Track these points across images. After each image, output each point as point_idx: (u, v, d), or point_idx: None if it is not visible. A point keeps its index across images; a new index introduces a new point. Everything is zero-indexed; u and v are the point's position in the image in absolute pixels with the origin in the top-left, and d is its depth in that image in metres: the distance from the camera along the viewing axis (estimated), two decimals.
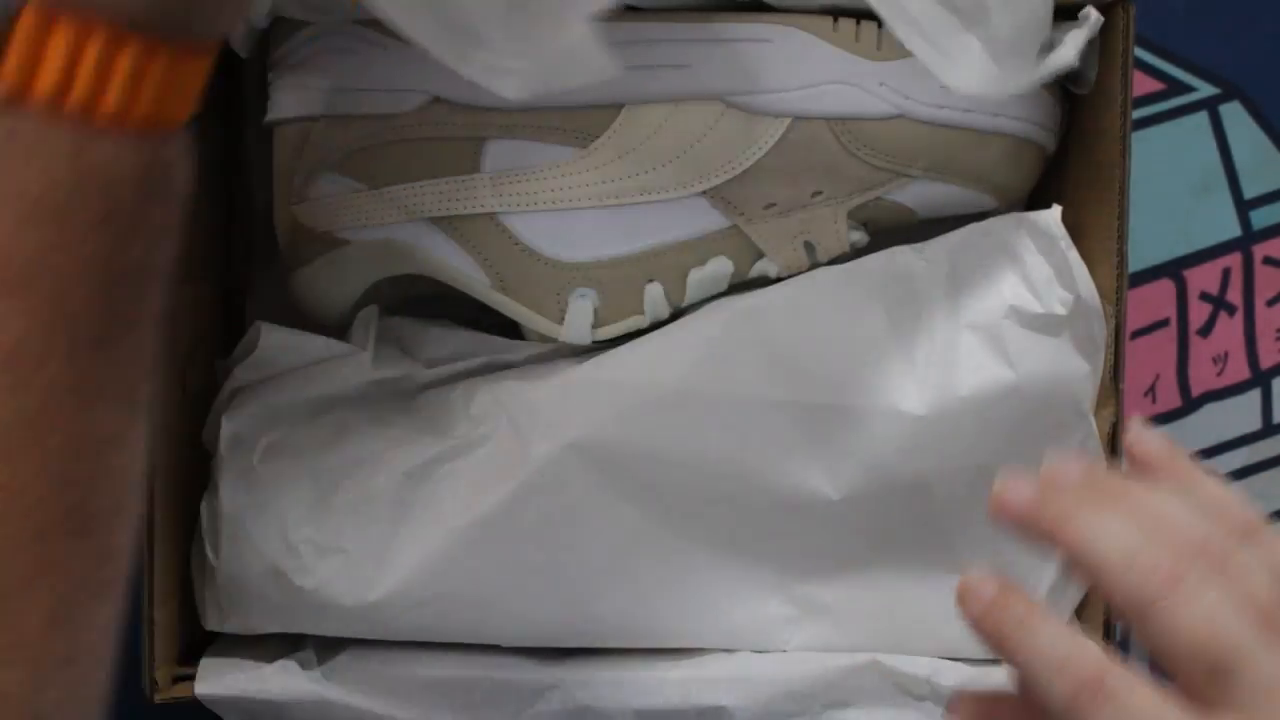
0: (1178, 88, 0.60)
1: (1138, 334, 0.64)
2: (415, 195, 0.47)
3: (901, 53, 0.46)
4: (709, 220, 0.47)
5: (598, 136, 0.46)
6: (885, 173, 0.47)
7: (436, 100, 0.47)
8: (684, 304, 0.48)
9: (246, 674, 0.47)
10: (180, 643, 0.49)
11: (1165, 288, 0.62)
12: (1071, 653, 0.33)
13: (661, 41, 0.46)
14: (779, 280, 0.48)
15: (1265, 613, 0.32)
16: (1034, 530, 0.35)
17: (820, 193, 0.47)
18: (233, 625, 0.48)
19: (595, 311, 0.47)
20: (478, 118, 0.47)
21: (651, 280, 0.47)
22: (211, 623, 0.48)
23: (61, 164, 0.32)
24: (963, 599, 0.35)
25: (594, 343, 0.49)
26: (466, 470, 0.47)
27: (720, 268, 0.47)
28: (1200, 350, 0.61)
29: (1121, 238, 0.47)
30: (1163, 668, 0.32)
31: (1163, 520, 0.33)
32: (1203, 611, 0.32)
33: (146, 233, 0.34)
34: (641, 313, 0.48)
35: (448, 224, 0.47)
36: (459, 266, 0.47)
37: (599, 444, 0.46)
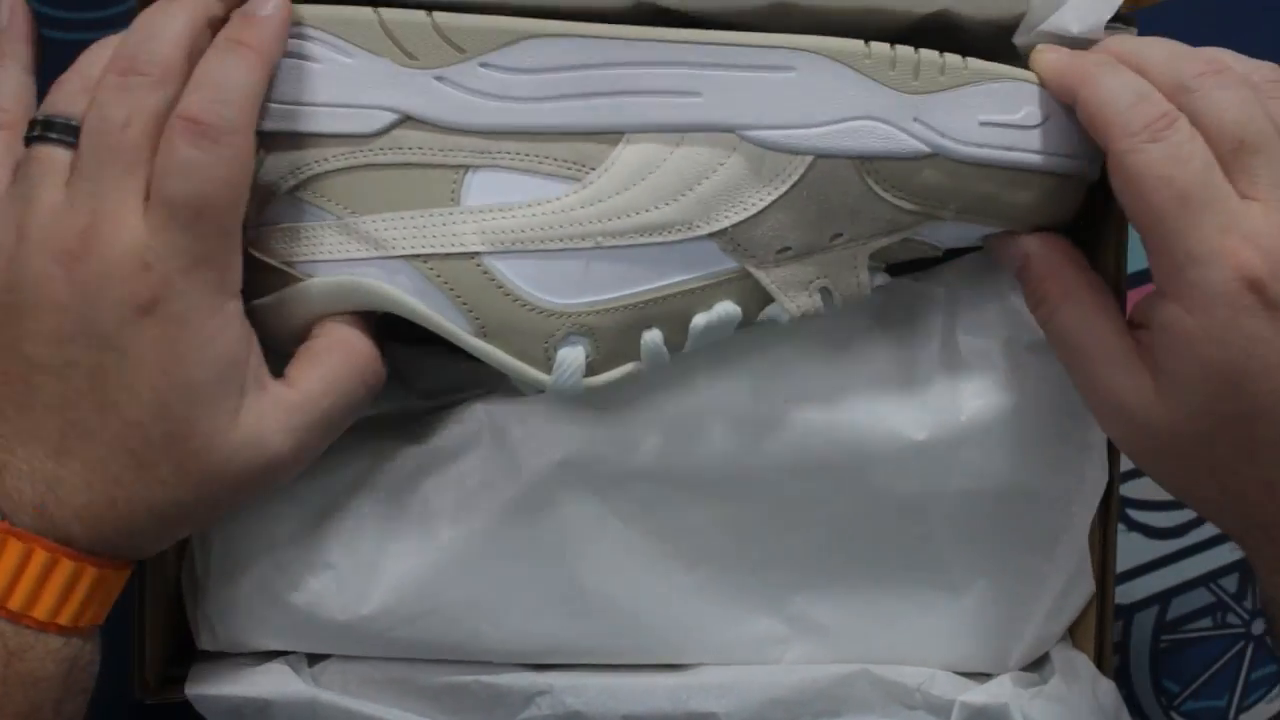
0: None
1: None
2: (388, 229, 0.41)
3: (940, 84, 0.40)
4: (716, 264, 0.42)
5: (594, 169, 0.41)
6: (914, 215, 0.42)
7: (407, 120, 0.41)
8: (685, 350, 0.44)
9: (237, 676, 0.47)
10: (171, 644, 0.49)
11: None
12: (1147, 91, 0.39)
13: (670, 65, 0.40)
14: (788, 325, 0.44)
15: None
16: (1060, 83, 0.41)
17: (840, 235, 0.42)
18: (225, 645, 0.48)
19: (587, 361, 0.43)
20: (455, 142, 0.41)
21: (650, 327, 0.43)
22: (205, 643, 0.48)
23: None
24: (1039, 55, 0.41)
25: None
26: (456, 483, 0.46)
27: (726, 314, 0.43)
28: None
29: (1120, 243, 0.46)
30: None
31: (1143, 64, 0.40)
32: (1233, 99, 0.39)
33: None
34: (638, 359, 0.43)
35: (424, 263, 0.42)
36: (437, 310, 0.42)
37: (590, 459, 0.45)
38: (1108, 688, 0.48)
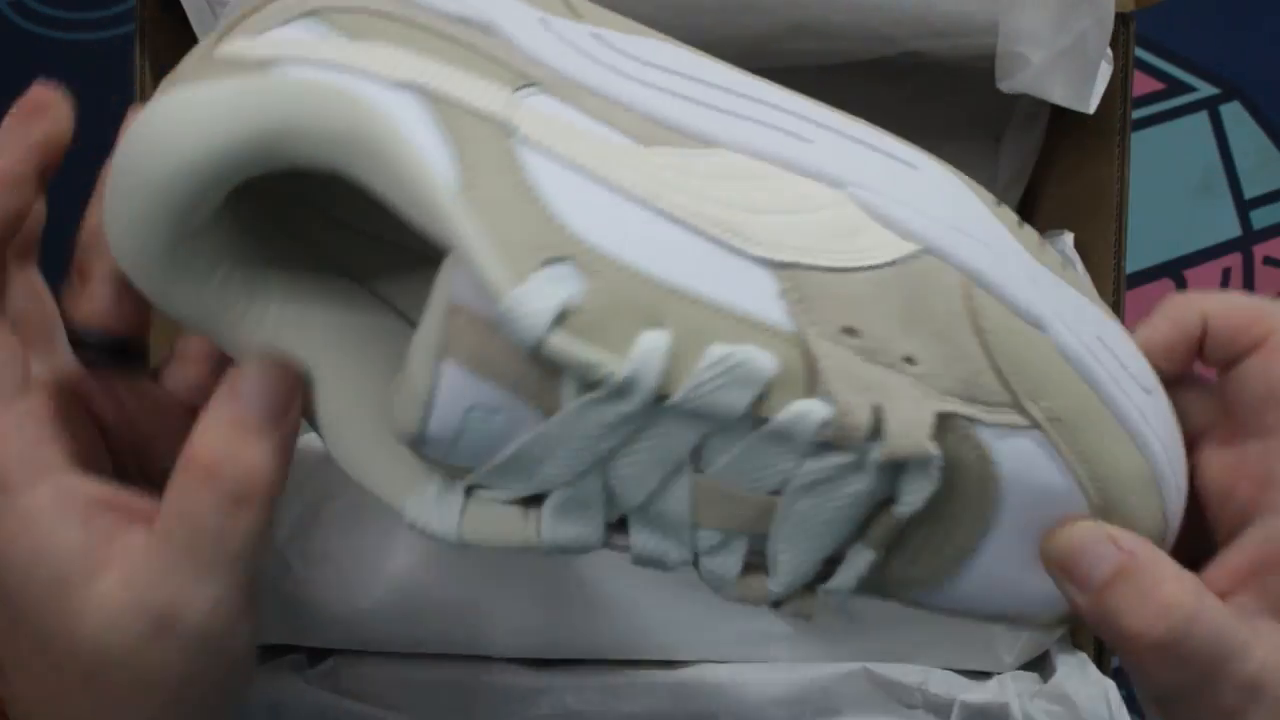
0: (1178, 88, 0.61)
1: None
2: (412, 64, 0.32)
3: (1062, 274, 0.35)
4: (764, 307, 0.32)
5: (668, 145, 0.34)
6: (999, 387, 0.33)
7: (490, 29, 0.35)
8: (677, 394, 0.31)
9: None
10: None
11: (1165, 287, 0.64)
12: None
13: (789, 113, 0.35)
14: (822, 447, 0.32)
15: None
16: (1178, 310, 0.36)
17: (913, 361, 0.33)
18: None
19: (567, 306, 0.30)
20: (533, 64, 0.34)
21: (659, 325, 0.31)
22: None
23: None
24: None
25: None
26: None
27: (752, 363, 0.31)
28: None
29: (1119, 251, 0.46)
30: None
31: None
32: None
33: None
34: (621, 356, 0.30)
35: (440, 104, 0.32)
36: (425, 149, 0.31)
37: None
38: (1108, 688, 0.49)
